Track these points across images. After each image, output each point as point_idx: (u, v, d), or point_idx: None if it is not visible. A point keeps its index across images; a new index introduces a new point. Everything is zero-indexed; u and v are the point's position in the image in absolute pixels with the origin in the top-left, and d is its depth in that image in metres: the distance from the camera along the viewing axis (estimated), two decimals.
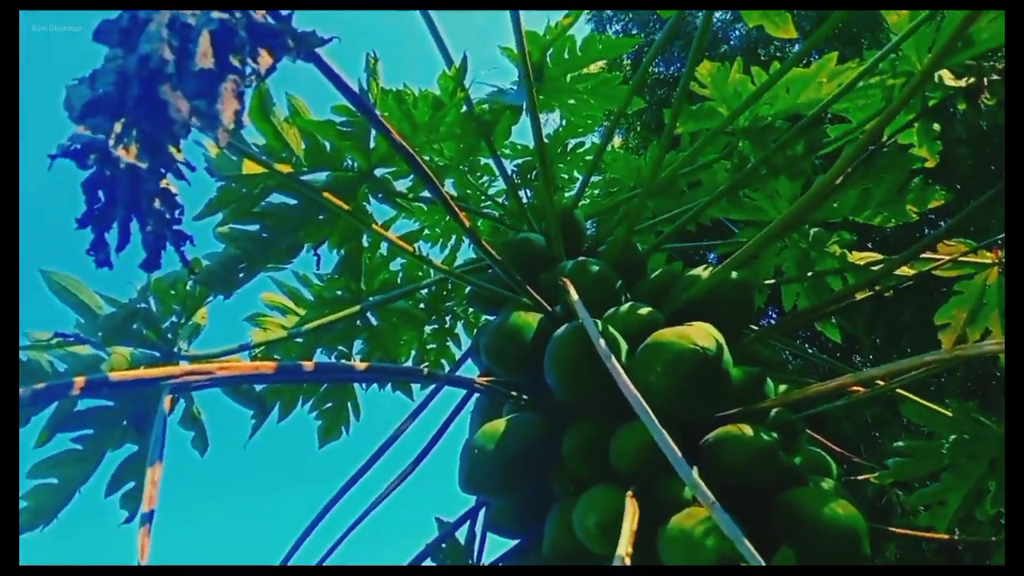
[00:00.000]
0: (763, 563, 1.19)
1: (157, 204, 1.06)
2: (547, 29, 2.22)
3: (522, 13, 2.00)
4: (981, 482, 2.32)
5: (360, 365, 1.62)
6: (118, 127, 0.92)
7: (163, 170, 1.03)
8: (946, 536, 2.46)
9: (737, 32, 8.64)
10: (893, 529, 2.37)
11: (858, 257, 2.86)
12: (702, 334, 1.80)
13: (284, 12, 1.02)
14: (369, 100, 1.86)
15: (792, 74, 2.26)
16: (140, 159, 1.00)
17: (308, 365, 1.50)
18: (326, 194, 1.78)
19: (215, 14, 0.84)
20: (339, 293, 2.41)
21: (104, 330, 1.83)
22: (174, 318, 1.96)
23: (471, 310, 2.94)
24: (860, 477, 2.92)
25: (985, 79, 2.55)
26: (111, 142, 0.97)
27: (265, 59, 0.91)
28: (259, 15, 0.94)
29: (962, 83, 2.55)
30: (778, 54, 7.78)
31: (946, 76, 2.52)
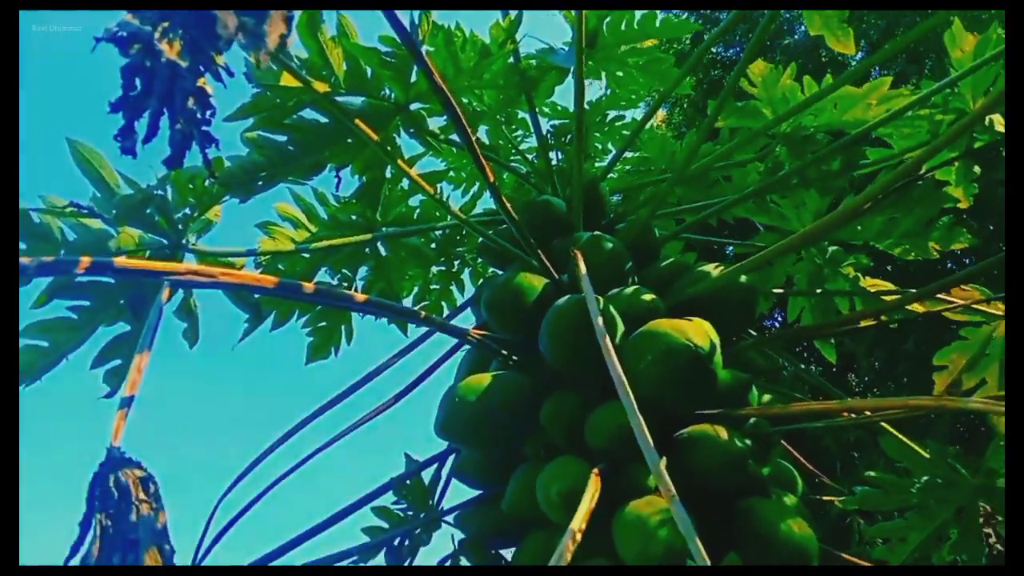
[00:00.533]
0: (708, 563, 1.21)
1: (191, 103, 1.07)
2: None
3: None
4: (944, 527, 2.34)
5: (359, 296, 1.63)
6: (166, 23, 0.92)
7: (202, 69, 1.04)
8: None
9: (803, 27, 8.46)
10: (846, 556, 2.40)
11: (870, 284, 2.85)
12: (699, 331, 1.81)
13: None
14: (418, 35, 1.84)
15: (843, 91, 2.23)
16: (182, 57, 1.00)
17: (308, 286, 1.52)
18: (358, 120, 1.77)
19: None
20: (353, 217, 2.42)
21: (119, 208, 1.85)
22: (187, 210, 1.97)
23: (480, 260, 2.95)
24: (826, 497, 2.95)
25: None
26: (156, 35, 0.98)
27: None
28: None
29: None
30: (840, 57, 7.62)
31: (997, 120, 2.49)
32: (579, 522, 1.33)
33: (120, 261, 1.11)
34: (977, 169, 2.71)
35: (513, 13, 2.03)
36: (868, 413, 2.31)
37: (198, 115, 1.09)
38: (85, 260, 1.11)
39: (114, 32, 0.98)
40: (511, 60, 2.21)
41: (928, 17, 2.10)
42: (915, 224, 2.68)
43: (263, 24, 0.77)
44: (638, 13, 2.22)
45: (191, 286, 1.34)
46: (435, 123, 2.33)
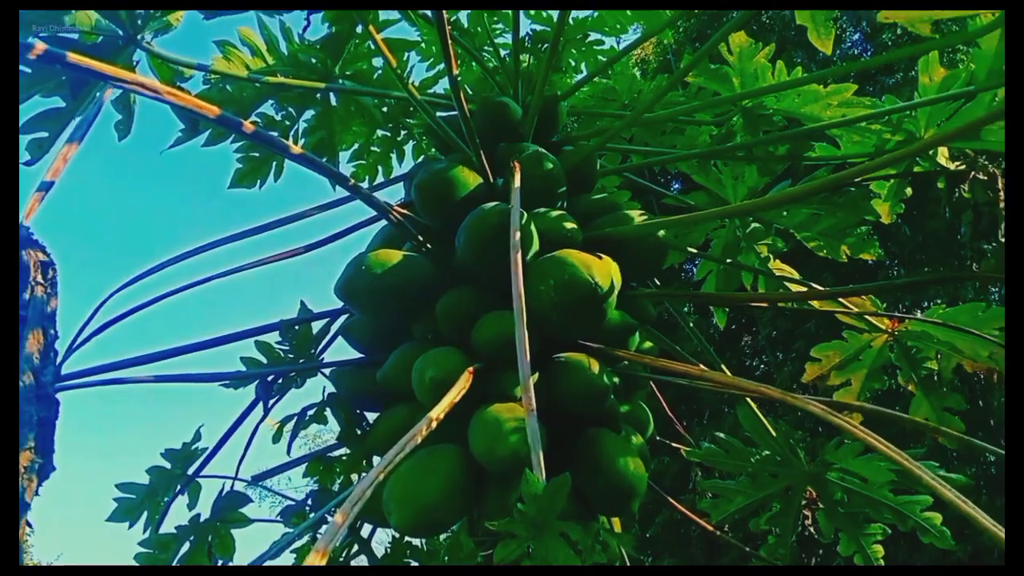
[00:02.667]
0: (544, 475, 1.35)
1: None
2: None
3: None
4: (769, 499, 2.57)
5: (295, 148, 1.65)
6: None
7: None
8: (712, 528, 2.75)
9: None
10: (672, 500, 2.64)
11: (777, 266, 3.02)
12: (603, 270, 1.91)
13: None
14: None
15: (808, 87, 2.31)
16: None
17: (248, 125, 1.54)
18: None
19: None
20: (313, 60, 2.38)
21: None
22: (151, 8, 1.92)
23: (426, 138, 2.96)
24: (676, 444, 3.19)
25: (973, 172, 2.66)
26: None
27: None
28: None
29: (952, 165, 2.66)
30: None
31: (941, 153, 2.62)
32: (439, 411, 1.45)
33: (73, 57, 1.10)
34: (909, 191, 2.86)
35: None
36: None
37: None
38: (39, 46, 1.10)
39: None
40: None
41: (914, 43, 2.17)
42: (835, 226, 2.83)
43: None
44: None
45: (135, 93, 1.33)
46: None
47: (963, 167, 2.66)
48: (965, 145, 2.60)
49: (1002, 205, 2.61)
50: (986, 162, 2.65)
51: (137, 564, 2.16)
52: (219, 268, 2.22)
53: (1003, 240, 2.60)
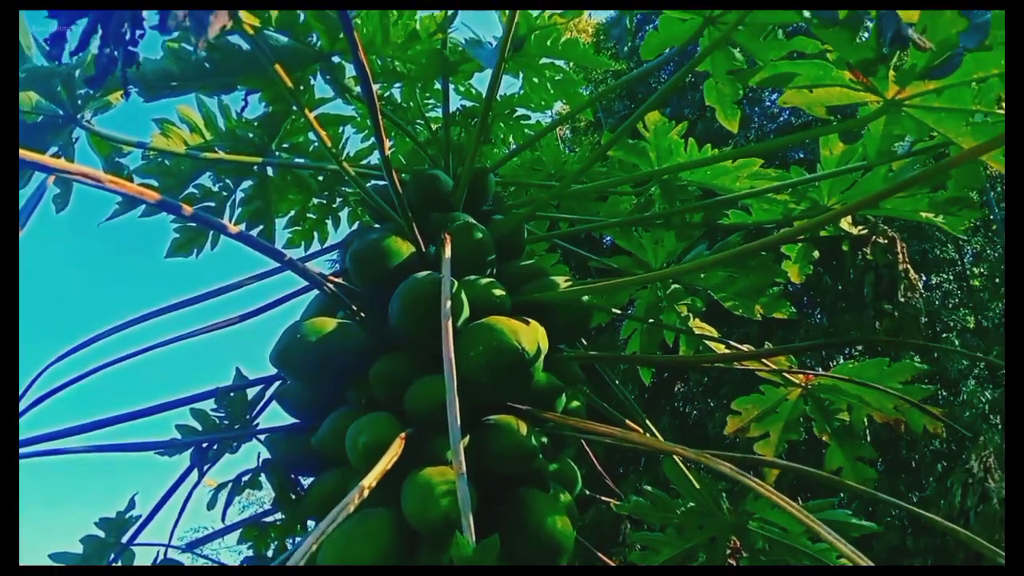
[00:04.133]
0: (474, 538, 1.42)
1: (124, 28, 1.15)
2: (541, 16, 2.34)
3: None
4: (695, 550, 2.67)
5: (232, 228, 1.73)
6: None
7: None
8: None
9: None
10: (601, 555, 2.72)
11: (697, 325, 3.18)
12: (530, 336, 2.02)
13: None
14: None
15: (718, 165, 2.50)
16: None
17: (187, 209, 1.61)
18: (278, 64, 1.85)
19: None
20: (250, 135, 2.48)
21: (27, 73, 1.85)
22: (90, 89, 1.98)
23: (360, 203, 3.05)
24: (604, 499, 3.28)
25: (874, 237, 2.87)
26: None
27: None
28: None
29: (854, 230, 2.87)
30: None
31: (845, 219, 2.83)
32: (371, 479, 1.51)
33: (24, 154, 1.16)
34: (816, 254, 3.07)
35: (449, 12, 2.15)
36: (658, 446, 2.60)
37: (127, 37, 1.17)
38: None
39: None
40: (438, 46, 2.33)
41: (816, 127, 2.37)
42: (749, 287, 3.01)
43: (208, 14, 0.89)
44: (565, 34, 2.40)
45: (79, 183, 1.39)
46: (352, 71, 2.41)
47: (865, 232, 2.88)
48: (866, 213, 2.82)
49: (901, 267, 2.83)
50: (885, 227, 2.88)
51: None
52: (157, 338, 2.25)
53: (902, 300, 2.82)
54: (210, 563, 2.59)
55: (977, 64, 1.63)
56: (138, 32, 1.18)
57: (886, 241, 2.88)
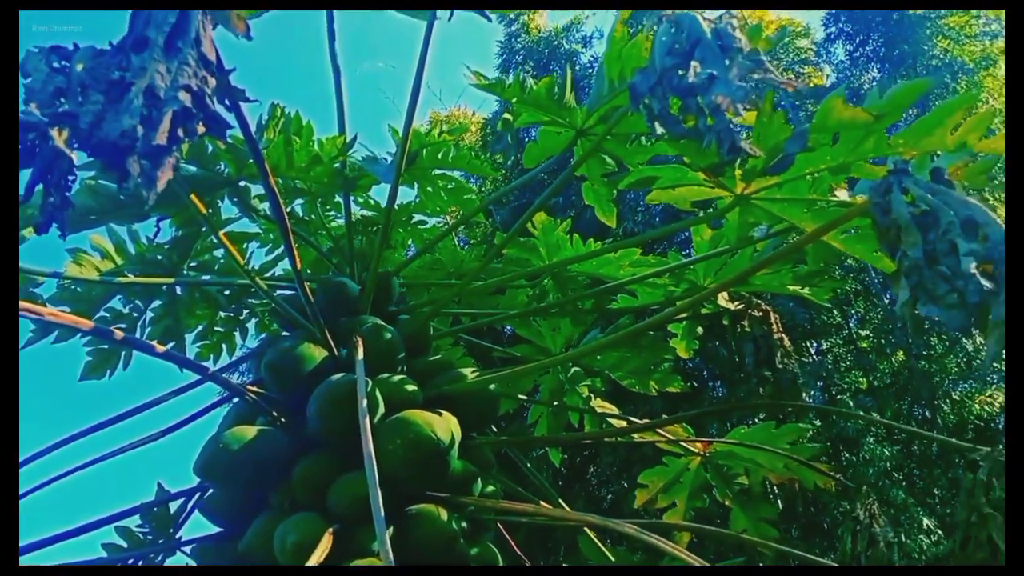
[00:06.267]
0: None
1: (65, 177, 1.29)
2: (431, 134, 2.59)
3: (417, 109, 2.35)
4: None
5: (159, 347, 1.83)
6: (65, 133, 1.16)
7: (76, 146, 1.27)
8: None
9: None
10: None
11: (600, 404, 3.39)
12: (443, 426, 2.16)
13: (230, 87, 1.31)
14: (263, 134, 2.11)
15: (602, 256, 2.75)
16: (68, 146, 1.23)
17: (118, 334, 1.71)
18: (193, 193, 2.00)
19: (181, 94, 1.12)
20: (160, 258, 2.58)
21: None
22: (37, 235, 2.05)
23: (268, 314, 3.16)
24: None
25: (750, 310, 3.17)
26: (52, 129, 1.21)
27: (200, 130, 1.19)
28: (210, 88, 1.23)
29: (731, 305, 3.15)
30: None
31: (722, 296, 3.12)
32: None
33: None
34: (700, 329, 3.35)
35: (348, 136, 2.37)
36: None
37: (67, 188, 1.31)
38: None
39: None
40: (337, 165, 2.53)
41: (685, 219, 2.65)
42: (642, 365, 3.25)
43: (156, 170, 1.04)
44: (453, 148, 2.64)
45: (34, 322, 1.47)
46: (257, 188, 2.58)
47: (741, 306, 3.17)
48: (739, 289, 3.12)
49: (776, 336, 3.13)
50: (758, 300, 3.19)
51: None
52: (77, 462, 2.27)
53: (780, 367, 3.10)
54: None
55: (808, 161, 1.93)
56: (71, 179, 1.32)
57: (760, 314, 3.17)
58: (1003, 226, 1.14)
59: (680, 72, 1.52)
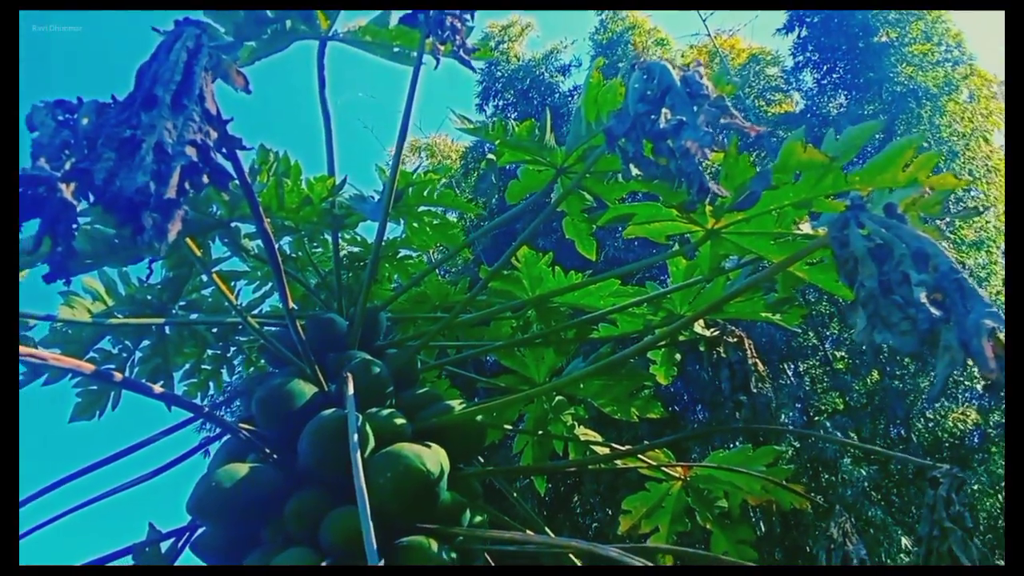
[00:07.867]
0: None
1: (70, 227, 1.36)
2: (418, 173, 2.69)
3: (404, 151, 2.44)
4: None
5: (156, 388, 1.88)
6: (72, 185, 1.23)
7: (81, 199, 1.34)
8: None
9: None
10: None
11: (583, 432, 3.46)
12: (433, 458, 2.23)
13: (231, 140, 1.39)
14: (256, 180, 2.19)
15: (583, 288, 2.85)
16: (75, 196, 1.30)
17: (118, 376, 1.76)
18: (187, 239, 2.07)
19: (188, 149, 1.20)
20: (149, 298, 2.63)
21: None
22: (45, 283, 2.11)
23: (255, 350, 3.21)
24: None
25: (725, 336, 3.26)
26: (62, 183, 1.28)
27: (205, 181, 1.27)
28: (212, 140, 1.31)
29: (707, 332, 3.25)
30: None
31: (698, 324, 3.21)
32: None
33: None
34: (678, 356, 3.44)
35: (338, 177, 2.45)
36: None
37: (70, 234, 1.37)
38: None
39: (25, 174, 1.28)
40: (326, 204, 2.61)
41: (662, 253, 2.74)
42: (623, 392, 3.33)
43: (167, 223, 1.11)
44: (440, 185, 2.74)
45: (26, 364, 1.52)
46: (247, 228, 2.65)
47: (717, 333, 3.27)
48: (714, 317, 3.22)
49: (751, 361, 3.22)
50: (733, 327, 3.29)
51: None
52: (66, 505, 2.30)
53: (754, 391, 3.19)
54: None
55: (773, 198, 2.04)
56: (74, 226, 1.39)
57: (735, 340, 3.27)
58: (950, 257, 1.24)
59: (652, 117, 1.63)
